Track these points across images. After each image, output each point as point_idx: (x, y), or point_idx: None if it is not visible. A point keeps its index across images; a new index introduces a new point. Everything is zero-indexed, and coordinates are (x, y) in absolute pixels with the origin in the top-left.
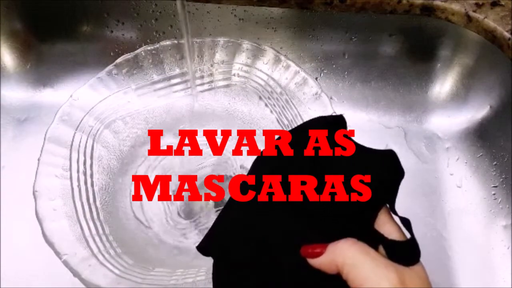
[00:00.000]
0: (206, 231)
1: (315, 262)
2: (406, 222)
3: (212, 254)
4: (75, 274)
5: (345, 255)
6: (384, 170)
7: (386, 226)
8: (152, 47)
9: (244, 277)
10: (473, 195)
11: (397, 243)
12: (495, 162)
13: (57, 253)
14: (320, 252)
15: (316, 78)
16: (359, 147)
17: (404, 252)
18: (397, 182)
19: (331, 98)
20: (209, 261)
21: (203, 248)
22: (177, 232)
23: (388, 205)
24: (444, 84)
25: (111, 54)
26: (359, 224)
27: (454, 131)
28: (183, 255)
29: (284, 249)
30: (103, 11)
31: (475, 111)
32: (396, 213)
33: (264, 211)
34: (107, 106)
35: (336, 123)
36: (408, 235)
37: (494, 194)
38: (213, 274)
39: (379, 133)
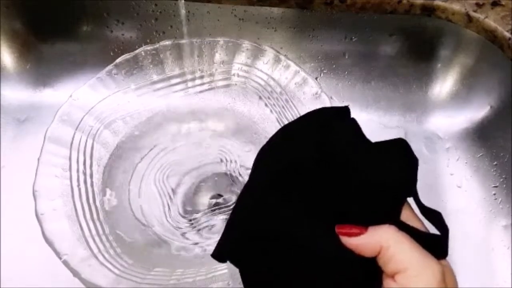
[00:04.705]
0: (206, 231)
1: (352, 241)
2: (436, 215)
3: (232, 258)
4: (75, 274)
5: (391, 238)
6: (397, 162)
7: (410, 222)
8: (152, 47)
9: (269, 265)
10: (473, 195)
11: (430, 235)
12: (495, 162)
13: (57, 253)
14: (358, 232)
15: (316, 78)
16: (367, 144)
17: (436, 246)
18: (413, 172)
19: (331, 98)
20: (208, 261)
21: (219, 255)
22: (177, 231)
23: (413, 199)
24: (444, 84)
25: (111, 54)
26: (385, 218)
27: (454, 131)
28: (183, 255)
29: (308, 235)
30: (103, 11)
31: (475, 111)
32: (423, 205)
33: (282, 203)
34: (107, 106)
35: (339, 114)
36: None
37: (494, 194)
38: (242, 274)
39: (379, 133)
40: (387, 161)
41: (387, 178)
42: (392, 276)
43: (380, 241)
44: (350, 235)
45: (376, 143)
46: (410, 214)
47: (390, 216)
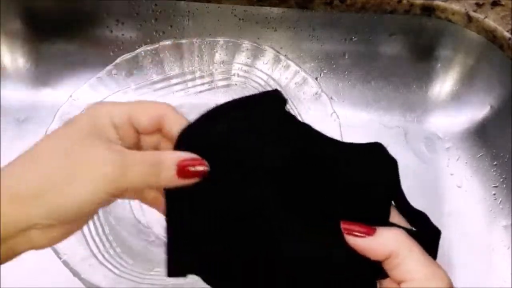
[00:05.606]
0: None
1: (359, 242)
2: (422, 216)
3: (191, 269)
4: (75, 274)
5: (402, 245)
6: (380, 163)
7: (398, 223)
8: (151, 47)
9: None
10: (473, 195)
11: (424, 236)
12: (495, 162)
13: (57, 253)
14: (367, 232)
15: (316, 78)
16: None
17: (428, 245)
18: (396, 173)
19: (331, 98)
20: None
21: (175, 270)
22: None
23: (394, 203)
24: (444, 84)
25: (111, 54)
26: (376, 219)
27: (454, 131)
28: None
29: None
30: (103, 11)
31: (475, 111)
32: (410, 206)
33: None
34: None
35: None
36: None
37: (494, 194)
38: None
39: (379, 133)
40: (370, 163)
41: (374, 179)
42: (398, 283)
43: (391, 246)
44: (357, 233)
45: (350, 144)
46: (397, 215)
47: (380, 217)
